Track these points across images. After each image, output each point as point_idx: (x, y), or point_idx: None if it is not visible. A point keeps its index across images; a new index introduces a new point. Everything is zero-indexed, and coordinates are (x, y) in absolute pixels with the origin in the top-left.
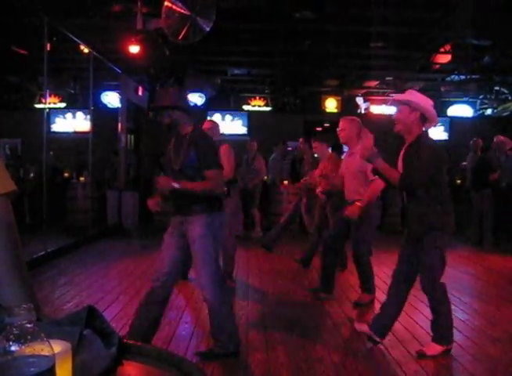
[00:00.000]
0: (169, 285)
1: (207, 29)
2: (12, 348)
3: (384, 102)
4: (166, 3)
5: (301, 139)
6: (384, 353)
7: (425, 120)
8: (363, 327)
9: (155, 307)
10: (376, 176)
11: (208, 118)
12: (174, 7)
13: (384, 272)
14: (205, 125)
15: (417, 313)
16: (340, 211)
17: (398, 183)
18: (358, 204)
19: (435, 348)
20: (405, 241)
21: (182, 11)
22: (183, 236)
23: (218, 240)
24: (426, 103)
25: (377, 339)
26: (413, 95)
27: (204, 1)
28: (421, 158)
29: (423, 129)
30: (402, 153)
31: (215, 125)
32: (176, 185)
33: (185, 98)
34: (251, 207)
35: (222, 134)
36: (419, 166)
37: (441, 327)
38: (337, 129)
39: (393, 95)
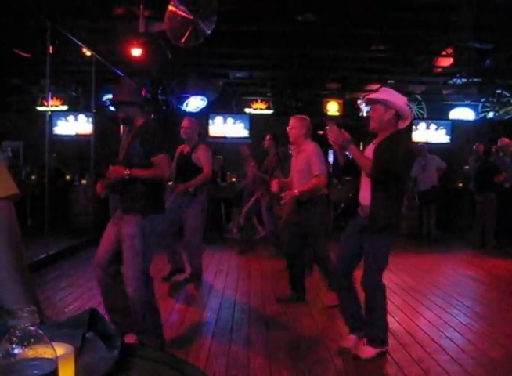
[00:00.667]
0: (112, 272)
1: (208, 32)
2: (15, 350)
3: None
4: (170, 7)
5: (267, 136)
6: (386, 357)
7: (399, 118)
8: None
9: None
10: (320, 173)
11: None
12: (177, 11)
13: (385, 275)
14: (183, 124)
15: (419, 317)
16: (290, 215)
17: (371, 170)
18: (295, 191)
19: (370, 351)
20: (352, 232)
21: (185, 15)
22: (119, 231)
23: (150, 242)
24: (400, 101)
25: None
26: (388, 94)
27: (207, 5)
28: (396, 151)
29: (399, 128)
30: (372, 147)
31: (193, 124)
32: (126, 171)
33: (141, 93)
34: (239, 208)
35: (224, 137)
36: (394, 156)
37: (376, 329)
38: (288, 128)
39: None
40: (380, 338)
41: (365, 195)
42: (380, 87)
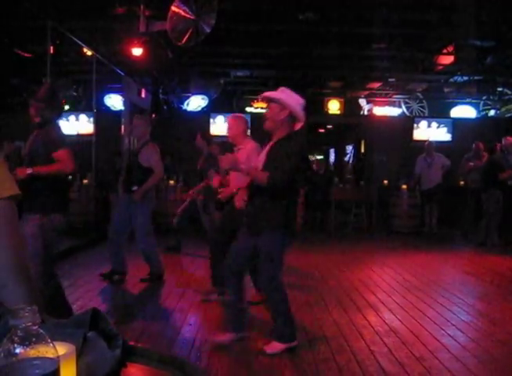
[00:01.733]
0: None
1: (208, 31)
2: (17, 350)
3: (387, 103)
4: (173, 8)
5: (198, 135)
6: (388, 355)
7: (294, 119)
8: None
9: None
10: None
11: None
12: (180, 12)
13: (387, 274)
14: (134, 122)
15: (421, 315)
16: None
17: (267, 183)
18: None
19: (276, 346)
20: (244, 235)
21: (188, 15)
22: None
23: (50, 241)
24: (295, 102)
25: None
26: (284, 94)
27: (208, 6)
28: (289, 157)
29: (293, 129)
30: (266, 149)
31: (141, 122)
32: (29, 170)
33: (54, 94)
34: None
35: (225, 136)
36: (287, 165)
37: (281, 325)
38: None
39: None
40: (287, 334)
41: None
42: (381, 85)
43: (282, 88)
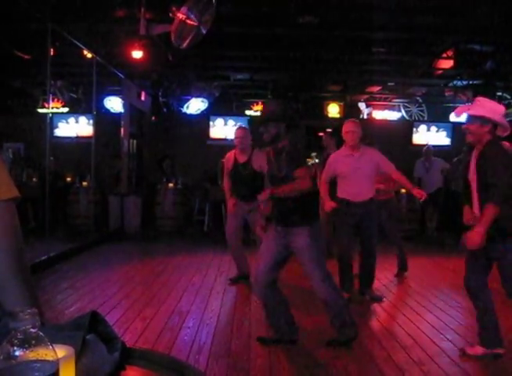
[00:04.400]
0: None
1: (204, 32)
2: (17, 352)
3: (387, 107)
4: (179, 15)
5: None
6: (386, 359)
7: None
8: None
9: None
10: None
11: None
12: (186, 19)
13: (386, 278)
14: (237, 134)
15: (420, 319)
16: None
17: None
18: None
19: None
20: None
21: (192, 22)
22: None
23: None
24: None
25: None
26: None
27: (209, 13)
28: None
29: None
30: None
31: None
32: None
33: None
34: None
35: (225, 139)
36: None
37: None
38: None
39: (396, 100)
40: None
41: None
42: (381, 89)
43: (477, 100)
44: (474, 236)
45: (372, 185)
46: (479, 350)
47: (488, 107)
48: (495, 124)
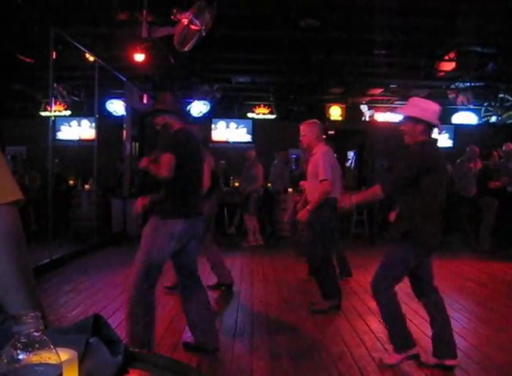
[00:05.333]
0: None
1: (204, 35)
2: (20, 356)
3: (389, 109)
4: (184, 20)
5: None
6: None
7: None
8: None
9: None
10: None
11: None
12: (190, 25)
13: None
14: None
15: (422, 322)
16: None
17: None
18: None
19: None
20: None
21: (195, 27)
22: None
23: None
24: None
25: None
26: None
27: (211, 16)
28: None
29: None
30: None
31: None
32: None
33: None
34: (245, 213)
35: (227, 141)
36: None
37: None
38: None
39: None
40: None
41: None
42: (383, 91)
43: (412, 100)
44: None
45: (311, 186)
46: (395, 357)
47: (419, 107)
48: (430, 125)
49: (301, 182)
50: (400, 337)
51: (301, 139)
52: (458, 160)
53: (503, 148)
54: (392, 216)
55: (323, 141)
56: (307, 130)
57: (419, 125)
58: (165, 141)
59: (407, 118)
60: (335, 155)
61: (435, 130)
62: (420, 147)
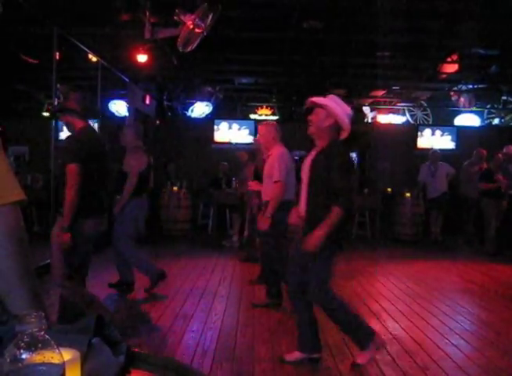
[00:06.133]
0: None
1: (204, 34)
2: (23, 356)
3: (392, 111)
4: (188, 24)
5: None
6: (391, 364)
7: (339, 129)
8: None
9: None
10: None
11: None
12: (195, 28)
13: (390, 282)
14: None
15: (425, 324)
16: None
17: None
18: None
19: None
20: None
21: (199, 30)
22: None
23: None
24: (342, 111)
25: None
26: (332, 101)
27: (214, 17)
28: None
29: (338, 138)
30: (309, 159)
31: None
32: None
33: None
34: (234, 213)
35: (229, 143)
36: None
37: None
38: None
39: (400, 104)
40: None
41: None
42: (385, 93)
43: (331, 96)
44: (313, 240)
45: (266, 187)
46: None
47: (334, 101)
48: (338, 125)
49: (250, 182)
50: (363, 333)
51: (258, 138)
52: (465, 163)
53: (504, 150)
54: (295, 219)
55: (280, 142)
56: (264, 130)
57: (328, 119)
58: (66, 150)
59: (318, 107)
60: (297, 158)
61: (437, 132)
62: (340, 148)
